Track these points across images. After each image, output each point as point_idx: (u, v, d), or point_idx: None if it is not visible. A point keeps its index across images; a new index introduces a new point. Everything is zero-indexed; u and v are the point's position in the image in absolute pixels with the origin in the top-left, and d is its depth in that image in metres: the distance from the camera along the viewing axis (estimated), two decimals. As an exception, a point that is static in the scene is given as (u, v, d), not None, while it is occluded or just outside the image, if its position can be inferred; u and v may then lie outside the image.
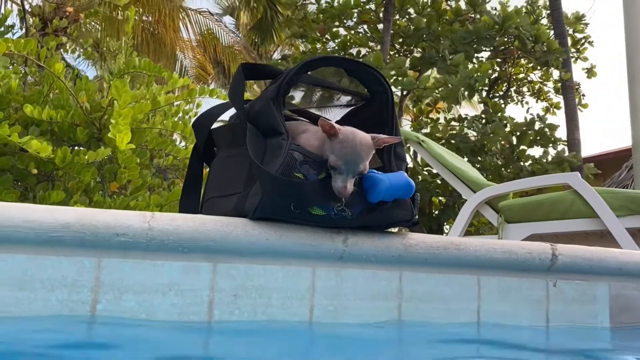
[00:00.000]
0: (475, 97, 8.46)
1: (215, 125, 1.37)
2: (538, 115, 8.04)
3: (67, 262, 0.96)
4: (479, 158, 7.61)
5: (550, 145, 7.78)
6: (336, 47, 8.48)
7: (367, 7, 8.58)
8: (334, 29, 8.68)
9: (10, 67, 2.58)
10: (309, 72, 1.22)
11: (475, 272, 1.23)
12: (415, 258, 1.16)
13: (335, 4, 8.39)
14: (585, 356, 1.22)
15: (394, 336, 1.15)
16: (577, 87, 9.57)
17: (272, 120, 1.11)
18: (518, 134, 7.61)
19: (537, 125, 7.86)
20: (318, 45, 8.77)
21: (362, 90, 1.27)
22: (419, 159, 7.07)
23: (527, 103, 10.23)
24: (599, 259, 1.32)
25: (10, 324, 0.93)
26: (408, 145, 3.55)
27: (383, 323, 1.15)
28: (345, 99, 1.32)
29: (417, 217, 1.16)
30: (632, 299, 1.37)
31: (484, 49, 8.45)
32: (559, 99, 9.45)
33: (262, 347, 1.05)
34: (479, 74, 6.37)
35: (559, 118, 8.78)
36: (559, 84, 8.90)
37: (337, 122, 1.22)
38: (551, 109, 9.80)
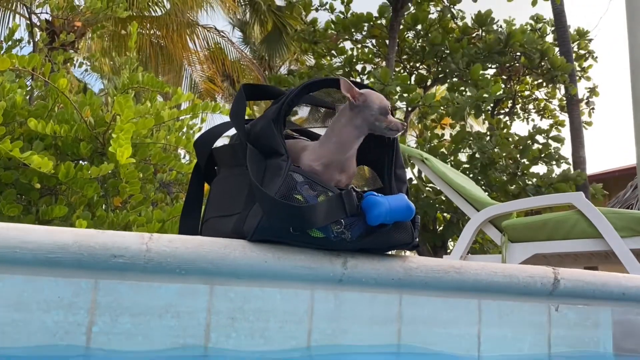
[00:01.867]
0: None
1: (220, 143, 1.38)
2: (540, 128, 8.02)
3: (63, 283, 0.96)
4: (485, 175, 7.60)
5: (554, 163, 7.76)
6: (342, 63, 8.54)
7: (379, 22, 8.66)
8: (340, 45, 8.75)
9: (16, 80, 2.60)
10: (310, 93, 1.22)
11: (476, 296, 1.21)
12: (415, 281, 1.15)
13: (349, 15, 8.48)
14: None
15: (393, 361, 1.14)
16: (586, 100, 9.58)
17: (272, 141, 1.11)
18: (521, 147, 7.59)
19: (540, 139, 7.85)
20: (324, 61, 8.83)
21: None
22: (423, 176, 7.06)
23: (532, 120, 10.25)
24: (602, 284, 1.31)
25: (6, 345, 0.92)
26: (412, 162, 3.54)
27: (382, 347, 1.13)
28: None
29: (417, 239, 1.15)
30: (636, 324, 1.35)
31: (489, 66, 8.49)
32: (564, 116, 9.46)
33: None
34: (486, 95, 6.40)
35: (564, 135, 8.76)
36: (565, 102, 8.90)
37: None
38: (556, 126, 9.80)
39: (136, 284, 0.99)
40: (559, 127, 9.60)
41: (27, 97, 3.13)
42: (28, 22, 4.12)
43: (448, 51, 8.13)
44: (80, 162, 2.52)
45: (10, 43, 3.13)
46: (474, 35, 8.53)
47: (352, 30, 8.52)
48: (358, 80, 8.38)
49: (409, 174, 7.40)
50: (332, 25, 8.48)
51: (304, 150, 1.17)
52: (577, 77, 9.46)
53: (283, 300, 1.08)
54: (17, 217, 2.20)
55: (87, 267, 0.96)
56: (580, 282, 1.29)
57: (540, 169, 8.22)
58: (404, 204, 1.08)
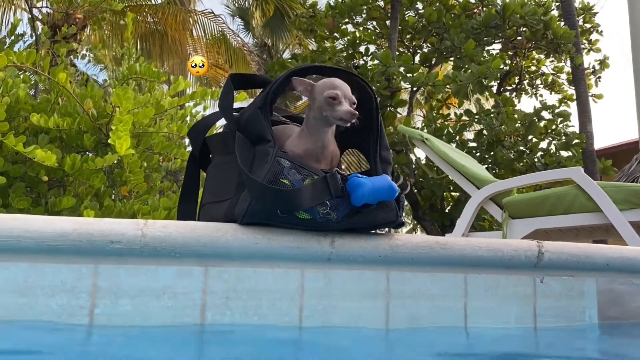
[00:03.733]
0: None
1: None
2: (545, 103, 7.95)
3: (65, 269, 1.02)
4: (492, 152, 7.58)
5: (563, 138, 7.71)
6: (345, 45, 8.50)
7: (376, 3, 8.59)
8: (343, 27, 8.71)
9: (20, 75, 2.65)
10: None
11: (462, 271, 1.26)
12: (402, 258, 1.20)
13: None
14: (574, 351, 1.25)
15: (382, 334, 1.19)
16: (593, 70, 9.49)
17: (259, 128, 1.16)
18: (527, 123, 7.53)
19: (546, 115, 7.78)
20: (327, 44, 8.80)
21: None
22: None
23: (541, 95, 10.17)
24: (586, 255, 1.35)
25: (13, 328, 0.99)
26: (413, 143, 3.57)
27: (371, 321, 1.19)
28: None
29: (402, 218, 1.20)
30: (621, 293, 1.40)
31: (493, 40, 8.42)
32: (573, 90, 9.36)
33: (254, 346, 1.09)
34: (489, 70, 6.36)
35: (572, 110, 8.68)
36: (572, 75, 8.81)
37: None
38: (565, 101, 9.73)
39: (134, 267, 1.05)
40: (568, 102, 9.53)
41: (32, 91, 3.19)
42: (29, 16, 4.16)
43: (447, 28, 8.05)
44: (86, 153, 2.58)
45: (12, 38, 3.18)
46: (475, 10, 8.45)
47: (351, 13, 8.46)
48: (362, 62, 8.35)
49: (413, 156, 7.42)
50: (330, 11, 8.43)
51: (289, 138, 1.22)
52: (586, 50, 9.36)
53: (275, 279, 1.13)
54: (27, 209, 2.27)
55: (86, 253, 1.02)
56: (564, 254, 1.33)
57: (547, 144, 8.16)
58: (386, 184, 1.13)
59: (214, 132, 1.50)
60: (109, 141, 2.09)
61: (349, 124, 1.16)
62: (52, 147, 2.30)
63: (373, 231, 1.22)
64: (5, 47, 3.04)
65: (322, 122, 1.18)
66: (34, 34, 4.07)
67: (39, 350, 0.99)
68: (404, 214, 1.22)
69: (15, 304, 0.98)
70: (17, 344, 0.98)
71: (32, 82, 2.87)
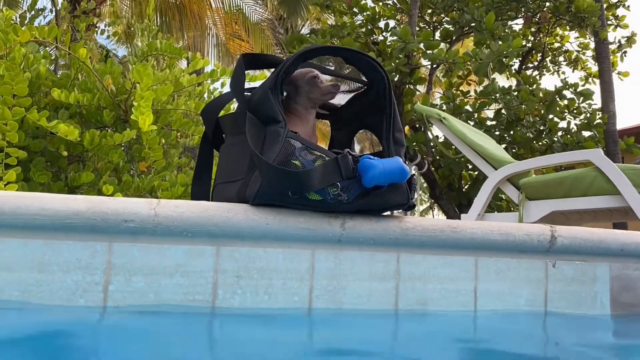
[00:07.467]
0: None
1: None
2: (566, 81, 7.77)
3: (81, 246, 1.04)
4: (511, 132, 7.47)
5: (584, 116, 7.56)
6: (364, 20, 8.38)
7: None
8: (362, 2, 8.57)
9: (41, 50, 2.67)
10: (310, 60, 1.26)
11: (473, 254, 1.26)
12: (412, 241, 1.20)
13: None
14: (585, 333, 1.25)
15: (391, 315, 1.20)
16: (619, 44, 9.25)
17: (270, 109, 1.16)
18: (547, 102, 7.39)
19: (568, 95, 7.62)
20: (345, 19, 8.68)
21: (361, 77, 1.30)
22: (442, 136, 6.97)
23: (563, 73, 9.95)
24: (599, 240, 1.34)
25: (31, 302, 1.02)
26: (430, 122, 3.54)
27: (381, 302, 1.20)
28: (344, 86, 1.36)
29: (413, 200, 1.20)
30: (634, 279, 1.39)
31: (515, 15, 8.23)
32: (597, 68, 9.14)
33: (264, 325, 1.11)
34: (510, 49, 6.23)
35: (596, 89, 8.47)
36: (596, 52, 8.59)
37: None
38: (590, 78, 9.51)
39: (147, 246, 1.07)
40: (594, 80, 9.32)
41: (53, 67, 3.22)
42: (50, -9, 4.18)
43: (466, 2, 7.87)
44: (105, 129, 2.61)
45: (33, 13, 3.20)
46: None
47: None
48: (381, 38, 8.23)
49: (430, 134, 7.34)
50: None
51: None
52: (613, 26, 9.12)
53: (285, 259, 1.15)
54: (47, 183, 2.31)
55: (101, 231, 1.04)
56: (577, 239, 1.32)
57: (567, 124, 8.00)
58: (397, 166, 1.12)
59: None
60: (132, 117, 2.11)
61: (332, 98, 1.30)
62: (72, 123, 2.32)
63: (384, 213, 1.22)
64: (26, 21, 3.06)
65: (310, 105, 1.26)
66: (53, 9, 4.09)
67: (55, 325, 1.02)
68: (419, 193, 1.22)
69: (33, 280, 1.01)
70: (34, 318, 1.01)
71: (53, 58, 2.89)
